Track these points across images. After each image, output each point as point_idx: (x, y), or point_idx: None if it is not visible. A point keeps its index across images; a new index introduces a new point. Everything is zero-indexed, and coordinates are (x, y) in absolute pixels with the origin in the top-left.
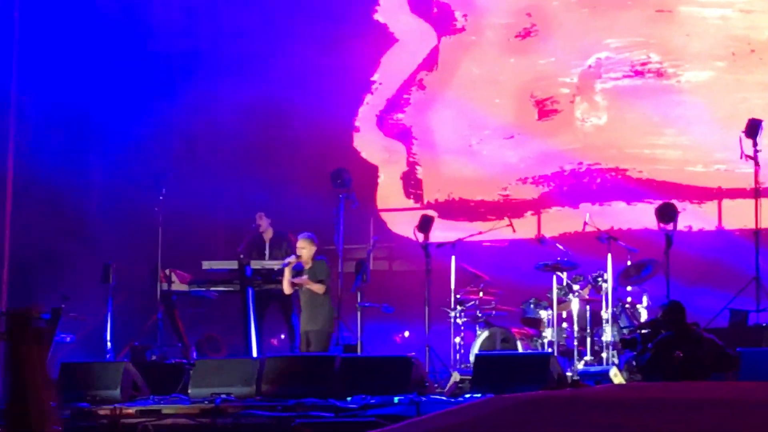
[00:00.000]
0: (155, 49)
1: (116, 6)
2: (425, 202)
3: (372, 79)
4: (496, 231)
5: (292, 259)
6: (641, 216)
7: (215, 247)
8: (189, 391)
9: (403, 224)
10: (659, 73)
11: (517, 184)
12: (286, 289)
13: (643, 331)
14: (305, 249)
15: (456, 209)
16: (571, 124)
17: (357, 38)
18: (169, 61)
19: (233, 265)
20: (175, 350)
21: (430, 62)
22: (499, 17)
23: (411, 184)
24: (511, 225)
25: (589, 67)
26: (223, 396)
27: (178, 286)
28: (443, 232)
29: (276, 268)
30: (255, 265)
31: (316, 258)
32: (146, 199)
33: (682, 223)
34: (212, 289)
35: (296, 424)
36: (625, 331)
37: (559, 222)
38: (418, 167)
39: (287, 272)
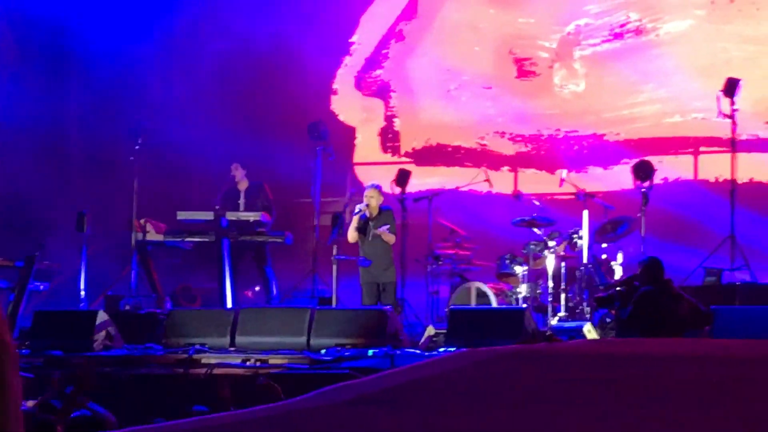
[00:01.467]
0: None
1: None
2: (402, 152)
3: (351, 40)
4: (473, 185)
5: (363, 206)
6: (618, 177)
7: (191, 198)
8: (163, 341)
9: (380, 179)
10: (638, 31)
11: (495, 136)
12: (351, 237)
13: (618, 288)
14: (373, 198)
15: (434, 155)
16: (549, 89)
17: None
18: (149, 9)
19: (209, 215)
20: (150, 300)
21: (410, 12)
22: None
23: (388, 138)
24: (488, 180)
25: (569, 34)
26: (197, 346)
27: (153, 236)
28: (420, 179)
29: (251, 219)
30: (230, 216)
31: (383, 208)
32: (122, 149)
33: (658, 177)
34: (187, 239)
35: (260, 383)
36: (600, 287)
37: (536, 184)
38: (395, 120)
39: (355, 220)
